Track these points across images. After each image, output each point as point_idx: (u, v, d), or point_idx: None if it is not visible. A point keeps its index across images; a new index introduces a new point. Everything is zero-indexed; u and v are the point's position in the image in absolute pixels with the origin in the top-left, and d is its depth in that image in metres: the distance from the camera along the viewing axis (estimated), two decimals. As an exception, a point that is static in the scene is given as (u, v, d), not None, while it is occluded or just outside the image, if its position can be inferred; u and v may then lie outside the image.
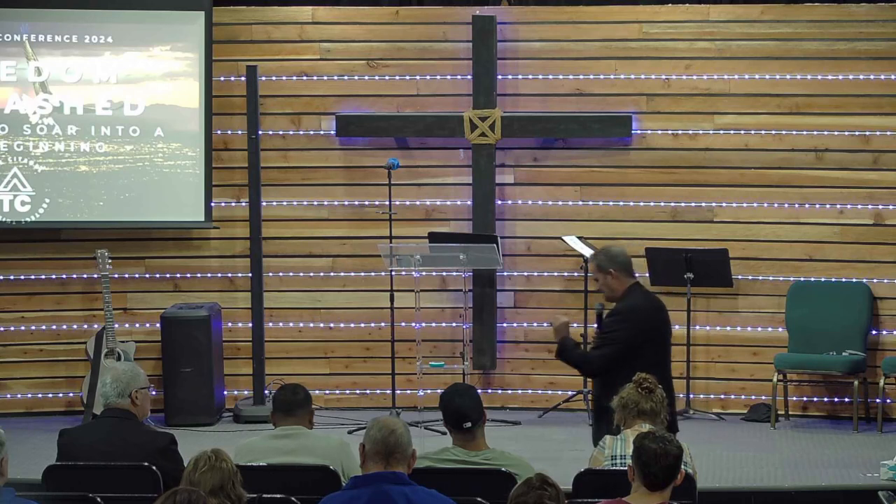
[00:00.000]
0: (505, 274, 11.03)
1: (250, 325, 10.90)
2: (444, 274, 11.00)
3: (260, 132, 10.81)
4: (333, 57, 11.13)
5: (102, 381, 6.30)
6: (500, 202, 11.02)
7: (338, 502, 5.00)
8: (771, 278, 10.82)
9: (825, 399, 10.76)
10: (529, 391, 11.10)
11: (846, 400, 10.58)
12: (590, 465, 6.20)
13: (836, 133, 10.72)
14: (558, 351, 7.56)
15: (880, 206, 10.66)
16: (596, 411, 7.61)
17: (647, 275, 10.76)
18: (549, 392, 11.01)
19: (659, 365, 7.13)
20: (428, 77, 11.09)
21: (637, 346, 7.29)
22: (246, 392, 11.01)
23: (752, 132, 10.83)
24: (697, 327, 10.84)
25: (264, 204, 10.88)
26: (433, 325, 11.03)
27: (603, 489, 5.66)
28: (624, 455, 6.02)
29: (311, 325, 11.17)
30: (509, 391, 11.09)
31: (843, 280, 10.70)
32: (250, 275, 10.88)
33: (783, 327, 10.72)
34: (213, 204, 10.95)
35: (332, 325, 11.13)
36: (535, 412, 10.82)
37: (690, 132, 10.90)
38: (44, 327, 11.04)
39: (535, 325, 11.05)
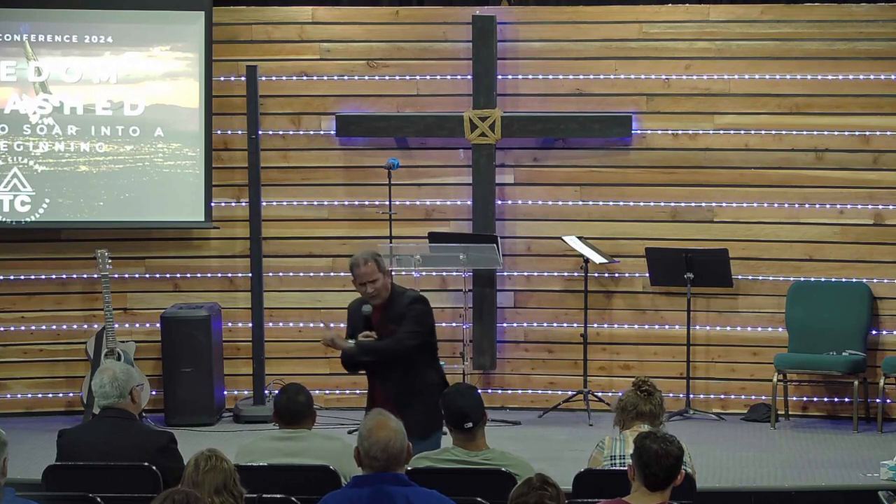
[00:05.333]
0: (505, 274, 11.03)
1: (250, 325, 10.91)
2: (444, 274, 11.00)
3: (260, 132, 10.82)
4: (333, 57, 11.13)
5: (99, 383, 6.27)
6: (500, 202, 11.02)
7: (338, 502, 5.00)
8: (771, 278, 10.82)
9: (825, 399, 10.77)
10: (529, 391, 11.10)
11: (846, 400, 10.59)
12: (589, 466, 6.21)
13: (836, 133, 10.72)
14: (363, 354, 7.41)
15: (880, 206, 10.66)
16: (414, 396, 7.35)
17: (648, 275, 10.79)
18: (549, 392, 11.02)
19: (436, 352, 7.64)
20: (428, 77, 11.09)
21: (432, 330, 7.58)
22: (246, 392, 11.01)
23: (752, 132, 10.83)
24: (697, 327, 10.84)
25: (264, 204, 10.89)
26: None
27: (603, 489, 5.66)
28: (623, 455, 6.03)
29: (311, 325, 11.17)
30: (509, 391, 11.09)
31: (843, 280, 10.70)
32: (250, 275, 10.89)
33: (783, 327, 10.72)
34: (213, 204, 10.95)
35: (332, 325, 11.13)
36: (535, 412, 10.83)
37: (690, 132, 10.90)
38: (44, 327, 11.04)
39: (535, 325, 11.06)
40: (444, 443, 7.00)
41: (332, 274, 11.13)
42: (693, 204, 10.91)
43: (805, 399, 10.81)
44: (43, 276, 11.02)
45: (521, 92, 11.05)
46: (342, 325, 10.87)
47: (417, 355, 7.44)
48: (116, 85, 10.86)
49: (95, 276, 10.65)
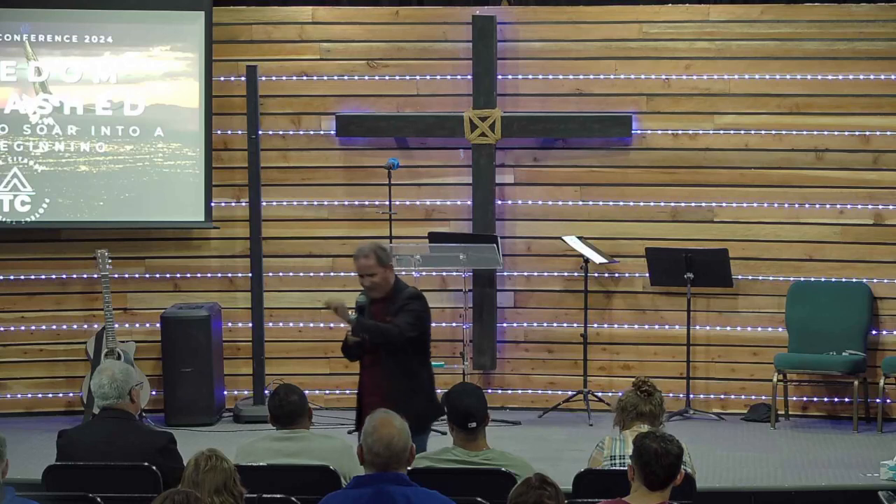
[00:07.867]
0: (505, 274, 11.03)
1: (250, 325, 10.91)
2: (444, 274, 11.00)
3: (260, 132, 10.82)
4: (333, 57, 11.13)
5: (98, 383, 6.27)
6: (500, 202, 11.02)
7: (338, 502, 5.00)
8: (771, 278, 10.82)
9: (825, 399, 10.77)
10: (529, 391, 11.10)
11: (846, 400, 10.58)
12: (589, 466, 6.21)
13: (836, 133, 10.72)
14: (361, 329, 7.39)
15: (880, 206, 10.66)
16: (408, 392, 7.34)
17: (648, 275, 10.78)
18: (549, 392, 11.02)
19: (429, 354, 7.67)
20: (428, 77, 11.09)
21: (428, 329, 7.61)
22: (246, 392, 11.02)
23: (752, 132, 10.83)
24: (697, 327, 10.84)
25: (264, 204, 10.89)
26: (433, 324, 10.94)
27: (603, 489, 5.66)
28: (623, 455, 6.03)
29: (311, 325, 11.17)
30: (509, 391, 11.09)
31: (843, 280, 10.70)
32: (250, 275, 10.89)
33: (783, 327, 10.72)
34: (213, 204, 10.96)
35: (332, 325, 11.12)
36: (535, 412, 10.83)
37: (690, 132, 10.90)
38: (44, 327, 11.04)
39: (535, 325, 11.06)
40: (429, 446, 7.01)
41: (332, 274, 11.13)
42: (693, 204, 10.92)
43: (805, 399, 10.81)
44: (43, 276, 11.02)
45: (521, 92, 11.05)
46: (342, 325, 10.96)
47: (413, 354, 7.44)
48: (116, 85, 10.86)
49: (95, 276, 10.65)
